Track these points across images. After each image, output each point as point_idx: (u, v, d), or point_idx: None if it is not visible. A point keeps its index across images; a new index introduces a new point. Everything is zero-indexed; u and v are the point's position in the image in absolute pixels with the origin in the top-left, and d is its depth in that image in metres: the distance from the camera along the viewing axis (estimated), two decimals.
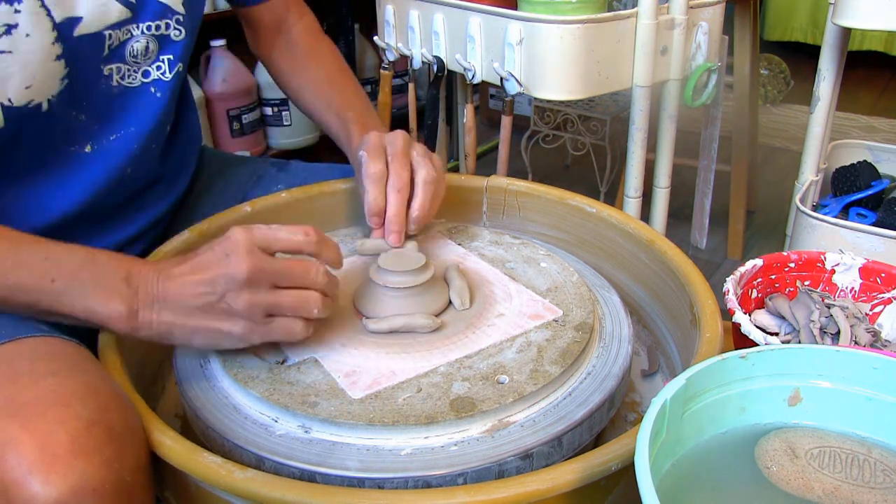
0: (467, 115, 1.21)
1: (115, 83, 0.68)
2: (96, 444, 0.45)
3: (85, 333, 0.58)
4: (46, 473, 0.43)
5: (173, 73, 0.72)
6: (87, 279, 0.51)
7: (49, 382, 0.48)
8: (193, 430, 0.56)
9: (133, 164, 0.72)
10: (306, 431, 0.51)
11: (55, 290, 0.51)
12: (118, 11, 0.65)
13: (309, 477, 0.48)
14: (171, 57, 0.71)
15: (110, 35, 0.65)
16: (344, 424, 0.50)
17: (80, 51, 0.63)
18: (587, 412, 0.53)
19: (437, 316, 0.61)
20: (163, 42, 0.70)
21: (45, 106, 0.62)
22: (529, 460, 0.50)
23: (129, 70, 0.69)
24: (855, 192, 1.14)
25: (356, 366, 0.55)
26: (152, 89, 0.71)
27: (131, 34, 0.67)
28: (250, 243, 0.51)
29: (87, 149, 0.68)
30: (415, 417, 0.50)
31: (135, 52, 0.68)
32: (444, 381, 0.54)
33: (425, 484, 0.48)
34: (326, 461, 0.49)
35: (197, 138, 0.85)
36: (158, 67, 0.71)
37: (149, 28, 0.68)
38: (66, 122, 0.65)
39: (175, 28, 0.70)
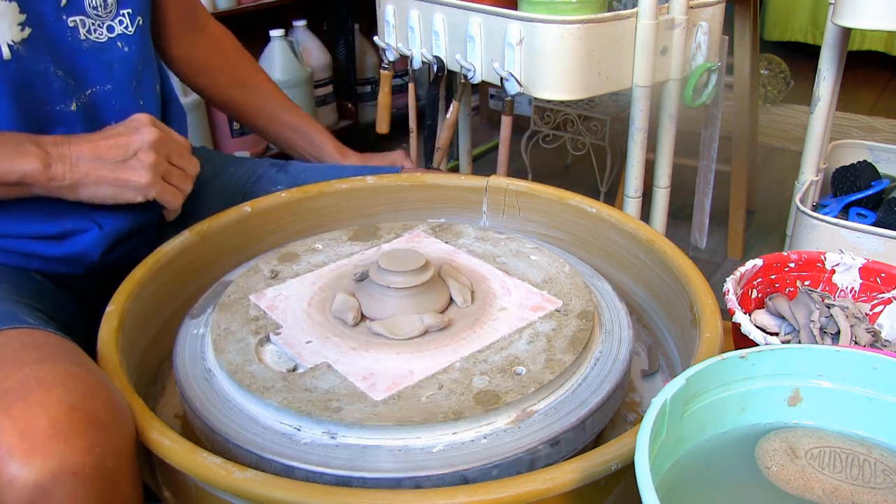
0: (451, 111, 1.21)
1: (82, 37, 0.69)
2: (77, 428, 0.46)
3: (76, 331, 0.58)
4: (26, 456, 0.44)
5: (135, 26, 0.73)
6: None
7: (32, 369, 0.48)
8: (210, 445, 0.54)
9: (118, 121, 0.71)
10: (332, 437, 0.51)
11: None
12: None
13: (345, 482, 0.48)
14: (129, 11, 0.73)
15: None
16: (373, 427, 0.50)
17: None
18: (604, 396, 0.54)
19: (441, 313, 0.61)
20: None
21: (5, 52, 0.63)
22: (558, 447, 0.51)
23: (93, 24, 0.70)
24: (855, 192, 1.14)
25: (371, 368, 0.55)
26: (119, 44, 0.72)
27: None
28: (154, 122, 0.65)
29: (73, 107, 0.69)
30: (442, 414, 0.50)
31: (94, 5, 0.69)
32: (462, 377, 0.54)
33: (462, 479, 0.48)
34: (359, 465, 0.48)
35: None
36: (121, 22, 0.72)
37: None
38: (44, 77, 0.67)
39: None
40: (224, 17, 1.83)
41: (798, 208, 1.02)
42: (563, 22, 0.96)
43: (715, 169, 1.69)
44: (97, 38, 0.71)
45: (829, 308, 0.70)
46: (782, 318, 0.72)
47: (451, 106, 1.21)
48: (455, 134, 2.21)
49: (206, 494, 0.48)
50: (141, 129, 0.64)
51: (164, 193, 0.66)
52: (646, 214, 1.19)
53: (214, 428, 0.53)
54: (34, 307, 0.62)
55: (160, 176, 0.65)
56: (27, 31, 0.64)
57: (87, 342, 0.58)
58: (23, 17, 0.64)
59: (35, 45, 0.65)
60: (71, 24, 0.68)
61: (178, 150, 0.68)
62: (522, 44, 1.01)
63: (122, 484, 0.48)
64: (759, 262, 0.75)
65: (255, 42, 2.01)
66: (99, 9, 0.70)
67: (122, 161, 0.62)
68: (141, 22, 0.74)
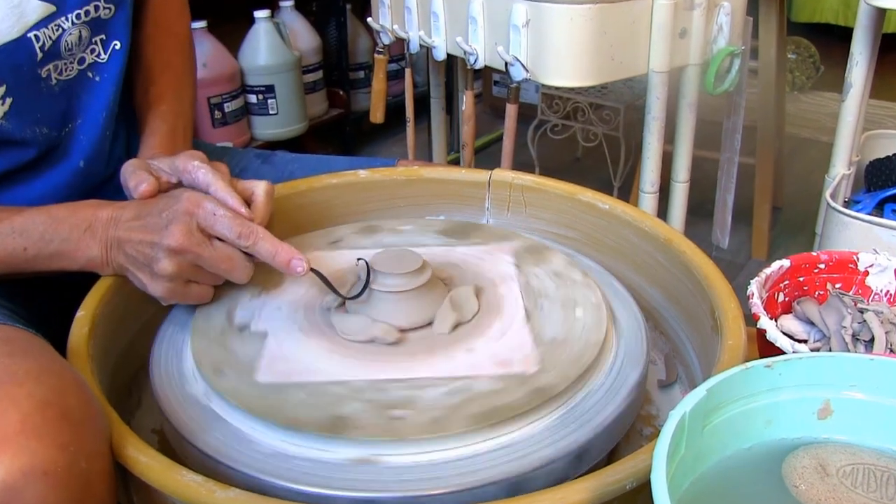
0: (466, 103, 1.21)
1: (54, 81, 0.69)
2: (49, 425, 0.46)
3: (47, 331, 0.59)
4: None
5: (108, 52, 0.72)
6: (56, 241, 0.61)
7: (3, 363, 0.49)
8: (190, 462, 0.55)
9: (86, 158, 0.73)
10: (329, 454, 0.51)
11: (29, 256, 0.61)
12: (38, 9, 0.64)
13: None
14: (103, 37, 0.72)
15: (38, 37, 0.65)
16: (374, 443, 0.51)
17: (6, 62, 0.64)
18: (618, 409, 0.54)
19: (430, 323, 0.62)
20: (94, 25, 0.70)
21: None
22: (566, 464, 0.51)
23: (65, 64, 0.69)
24: (890, 187, 1.14)
25: (372, 379, 0.56)
26: (89, 74, 0.72)
27: (62, 28, 0.67)
28: (190, 224, 0.58)
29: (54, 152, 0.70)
30: (447, 428, 0.51)
31: (70, 46, 0.68)
32: (466, 385, 0.55)
33: (471, 497, 0.49)
34: (359, 485, 0.49)
35: None
36: (92, 50, 0.71)
37: (78, 17, 0.68)
38: (28, 139, 0.68)
39: (105, 7, 0.71)
40: None
41: (828, 204, 1.02)
42: (574, 2, 0.97)
43: (738, 162, 1.69)
44: (67, 75, 0.70)
45: (862, 313, 0.70)
46: (811, 323, 0.72)
47: (465, 97, 1.22)
48: (456, 124, 2.22)
49: None
50: (169, 229, 0.58)
51: (187, 299, 0.62)
52: (663, 211, 1.19)
53: (195, 443, 0.53)
54: (2, 304, 0.63)
55: (182, 282, 0.60)
56: (8, 101, 0.64)
57: (58, 345, 0.58)
58: (2, 89, 0.64)
59: (18, 111, 0.65)
60: (44, 75, 0.68)
61: (212, 264, 0.60)
62: (529, 26, 1.01)
63: (96, 485, 0.48)
64: (786, 262, 0.75)
65: (239, 24, 2.01)
66: (74, 47, 0.69)
67: (142, 263, 0.60)
68: (118, 46, 0.73)
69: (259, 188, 0.65)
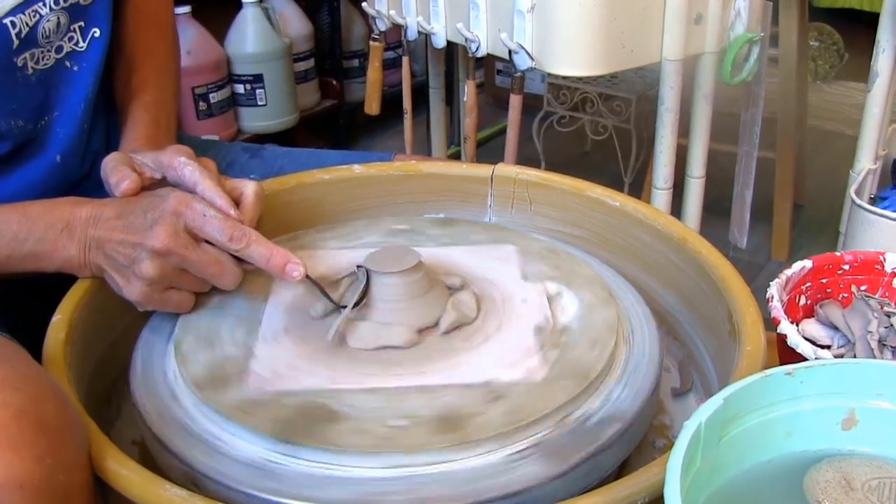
0: (468, 94, 1.21)
1: (30, 71, 0.69)
2: (25, 435, 0.46)
3: (25, 334, 0.60)
4: None
5: (87, 40, 0.73)
6: (30, 241, 0.61)
7: None
8: (174, 475, 0.55)
9: (62, 152, 0.73)
10: (322, 467, 0.51)
11: (2, 257, 0.61)
12: None
13: None
14: (82, 24, 0.72)
15: (14, 23, 0.66)
16: (374, 454, 0.51)
17: None
18: (629, 419, 0.54)
19: (429, 326, 0.62)
20: (73, 11, 0.71)
21: None
22: (574, 478, 0.52)
23: (42, 52, 0.70)
24: None
25: (369, 390, 0.56)
26: (67, 63, 0.72)
27: (39, 14, 0.68)
28: (177, 225, 0.58)
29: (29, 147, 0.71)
30: (435, 444, 0.51)
31: (47, 33, 0.69)
32: (468, 396, 0.55)
33: None
34: (353, 498, 0.49)
35: None
36: (71, 38, 0.72)
37: (56, 2, 0.69)
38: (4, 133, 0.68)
39: None
40: None
41: (853, 201, 1.02)
42: None
43: (757, 156, 1.69)
44: (44, 65, 0.71)
45: (889, 317, 0.70)
46: (835, 328, 0.73)
47: (466, 87, 1.22)
48: (457, 116, 2.22)
49: None
50: (154, 230, 0.58)
51: (164, 306, 0.62)
52: (677, 209, 1.19)
53: (178, 455, 0.53)
54: None
55: (161, 287, 0.60)
56: None
57: (33, 350, 0.58)
58: None
59: None
60: (20, 63, 0.68)
61: (199, 268, 0.60)
62: (534, 11, 1.01)
63: (75, 498, 0.48)
64: (807, 263, 0.75)
65: (225, 9, 2.01)
66: (51, 35, 0.69)
67: (124, 265, 0.60)
68: (97, 34, 0.74)
69: (248, 188, 0.64)
